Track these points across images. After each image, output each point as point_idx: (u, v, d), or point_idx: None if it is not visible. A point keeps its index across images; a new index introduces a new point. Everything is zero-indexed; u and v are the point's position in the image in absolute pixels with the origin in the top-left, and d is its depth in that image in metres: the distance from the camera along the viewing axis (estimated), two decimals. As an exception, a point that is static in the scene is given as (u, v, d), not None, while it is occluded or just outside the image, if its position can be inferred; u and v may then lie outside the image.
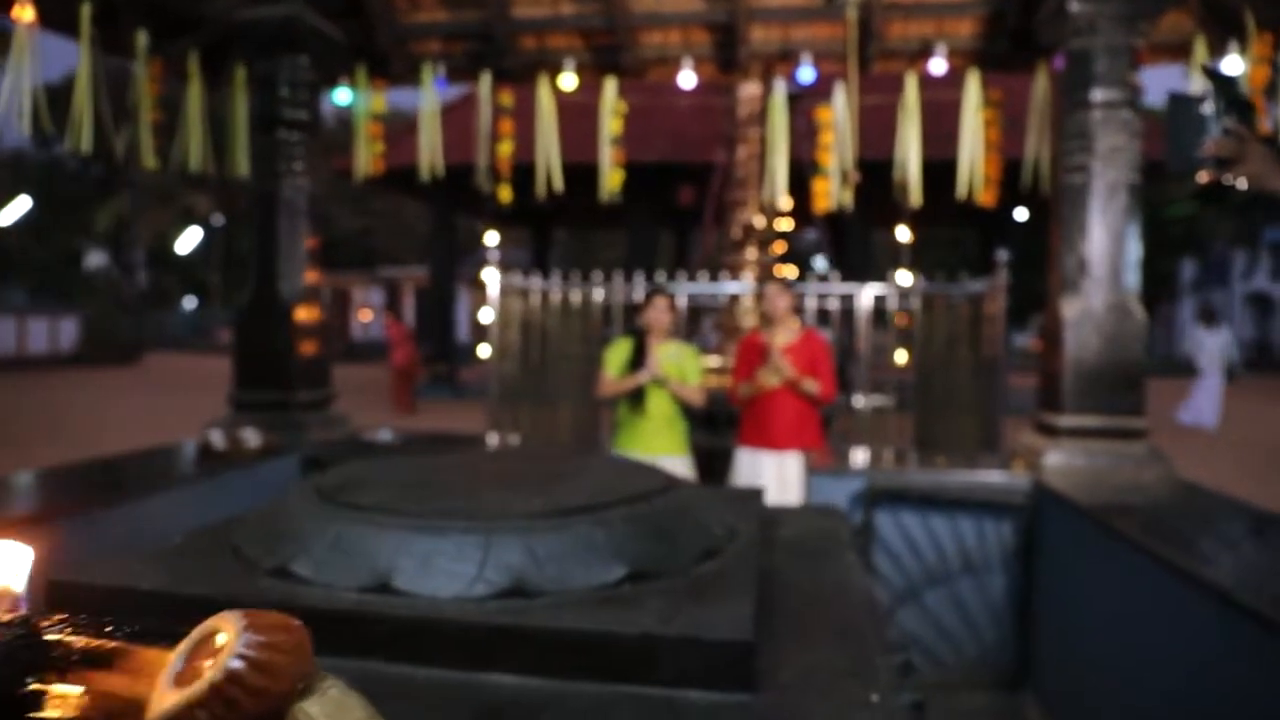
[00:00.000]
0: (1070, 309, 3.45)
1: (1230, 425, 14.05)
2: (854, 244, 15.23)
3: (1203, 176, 2.31)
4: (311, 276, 4.15)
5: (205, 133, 4.51)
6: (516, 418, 6.95)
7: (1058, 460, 3.38)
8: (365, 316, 28.45)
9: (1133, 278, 3.44)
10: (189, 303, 37.38)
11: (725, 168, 8.09)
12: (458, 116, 14.27)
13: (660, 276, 6.65)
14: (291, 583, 1.12)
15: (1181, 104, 2.31)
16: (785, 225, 10.79)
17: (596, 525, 1.15)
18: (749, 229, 7.45)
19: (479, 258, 31.72)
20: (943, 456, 3.81)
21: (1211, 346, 13.73)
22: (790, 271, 10.10)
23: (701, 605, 1.06)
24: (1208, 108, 2.27)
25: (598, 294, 7.46)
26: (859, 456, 4.12)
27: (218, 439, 3.59)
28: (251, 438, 3.63)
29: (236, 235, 30.37)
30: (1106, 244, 3.42)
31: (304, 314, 4.05)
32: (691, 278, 6.81)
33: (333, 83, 4.92)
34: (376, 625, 1.02)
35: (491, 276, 6.55)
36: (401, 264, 29.62)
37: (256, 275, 4.00)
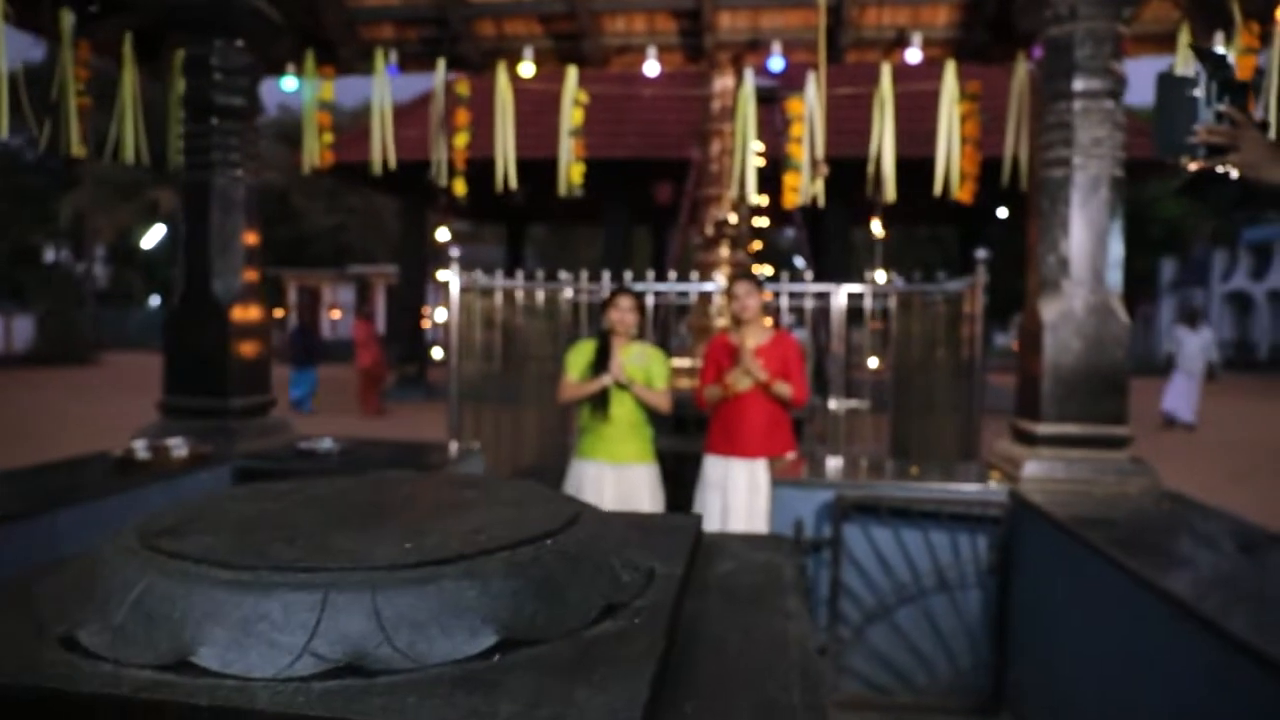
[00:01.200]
0: (1050, 310, 3.26)
1: (1210, 425, 13.97)
2: (832, 242, 15.06)
3: (1193, 165, 2.12)
4: (251, 275, 3.90)
5: (139, 121, 4.25)
6: (479, 422, 6.71)
7: (1036, 470, 3.19)
8: (336, 315, 28.04)
9: (1115, 277, 3.25)
10: (153, 301, 36.82)
11: (699, 164, 7.89)
12: (426, 110, 14.02)
13: (636, 276, 6.43)
14: (78, 656, 0.89)
15: (1171, 86, 2.11)
16: (761, 223, 10.63)
17: (466, 578, 0.93)
18: (722, 226, 7.24)
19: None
20: (916, 466, 3.60)
21: (1192, 347, 13.69)
22: (765, 270, 9.92)
23: (583, 683, 0.84)
24: (1199, 91, 2.08)
25: (567, 293, 7.25)
26: (830, 464, 3.92)
27: (141, 448, 3.34)
28: (178, 447, 3.38)
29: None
30: (1088, 242, 3.22)
31: (241, 315, 3.81)
32: (663, 277, 6.59)
33: (279, 69, 4.68)
34: (162, 719, 0.80)
35: (450, 275, 6.31)
36: (376, 261, 29.22)
37: (187, 273, 3.75)
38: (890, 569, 3.21)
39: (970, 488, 3.23)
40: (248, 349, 3.85)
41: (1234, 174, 2.06)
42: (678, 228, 11.04)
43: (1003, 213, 17.10)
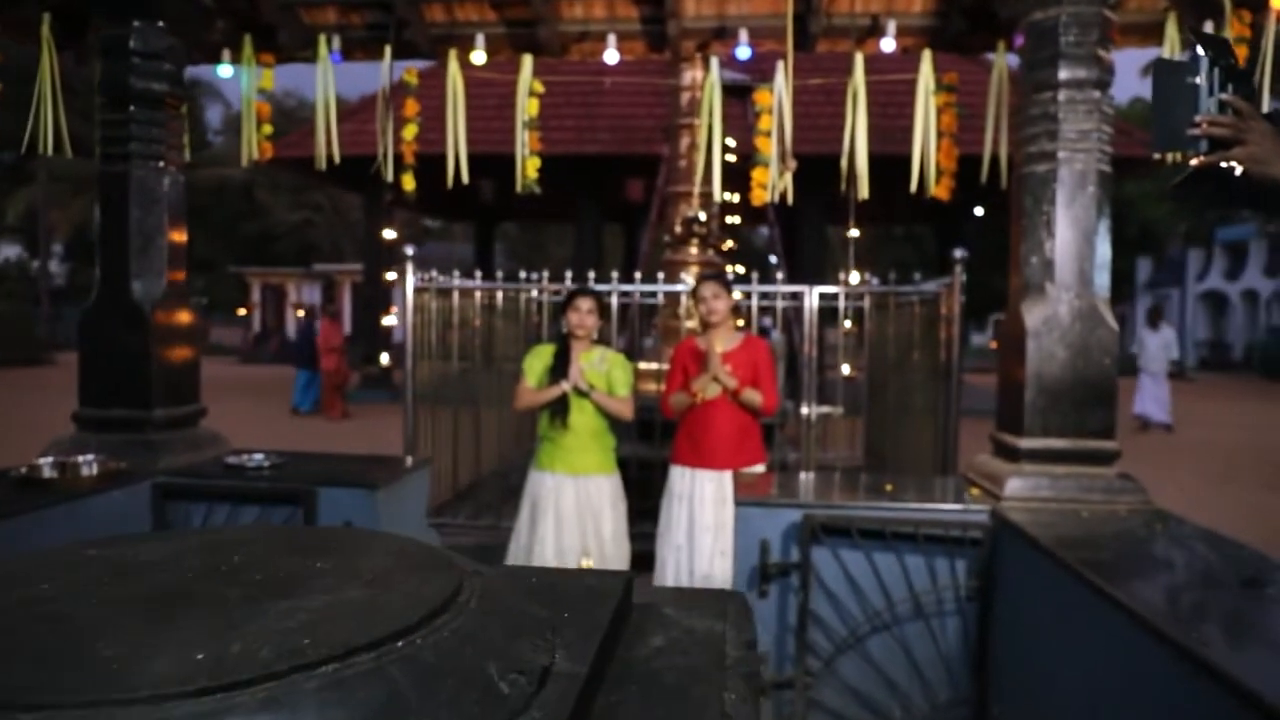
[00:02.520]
0: (1033, 315, 3.03)
1: (1187, 427, 13.90)
2: (807, 242, 14.86)
3: (1194, 160, 1.89)
4: (177, 275, 3.61)
5: (60, 109, 3.95)
6: (438, 427, 6.43)
7: (1019, 488, 2.96)
8: (300, 315, 27.55)
9: (1103, 280, 3.03)
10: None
11: (669, 159, 7.64)
12: (397, 102, 13.67)
13: (606, 275, 6.16)
14: None
15: (1169, 73, 1.87)
16: (733, 221, 10.39)
17: (265, 712, 0.67)
18: (691, 224, 7.00)
19: (424, 253, 31.00)
20: (891, 483, 3.36)
21: (1152, 346, 13.65)
22: (738, 270, 9.68)
23: None
24: (1199, 78, 1.84)
25: (533, 293, 6.98)
26: (800, 481, 3.68)
27: (47, 466, 3.05)
28: (88, 464, 3.09)
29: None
30: (1074, 242, 3.00)
31: (165, 319, 3.52)
32: (633, 277, 6.33)
33: (215, 56, 4.38)
34: None
35: (405, 274, 6.02)
36: (343, 259, 28.72)
37: (103, 274, 3.46)
38: (863, 595, 2.97)
39: (948, 507, 3.00)
40: (173, 355, 3.56)
41: (1238, 169, 1.84)
42: (648, 226, 10.79)
43: (979, 211, 16.97)
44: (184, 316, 3.61)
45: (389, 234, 8.82)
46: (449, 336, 6.51)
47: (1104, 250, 3.02)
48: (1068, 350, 2.99)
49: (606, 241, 28.59)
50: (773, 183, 3.86)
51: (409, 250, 6.11)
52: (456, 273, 6.32)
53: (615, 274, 6.16)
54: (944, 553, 2.94)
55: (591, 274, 6.03)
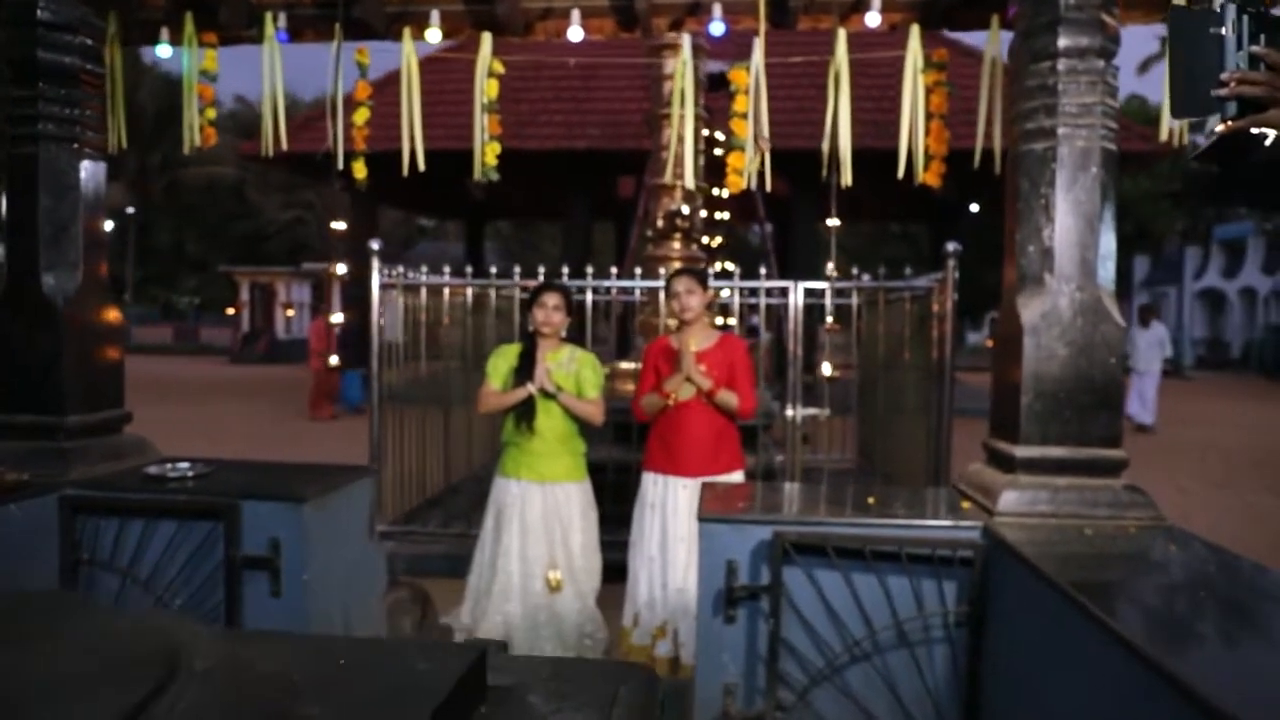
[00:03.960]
0: (1030, 310, 2.73)
1: (1185, 427, 13.62)
2: (800, 240, 14.56)
3: (1220, 126, 1.58)
4: (97, 268, 3.31)
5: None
6: (406, 430, 6.13)
7: (1015, 502, 2.66)
8: (290, 314, 27.20)
9: (1108, 271, 2.73)
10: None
11: (655, 152, 7.33)
12: (382, 97, 13.34)
13: (597, 272, 5.85)
14: None
15: (1189, 24, 1.56)
16: (722, 216, 10.09)
17: None
18: (674, 218, 6.69)
19: (416, 253, 30.64)
20: (873, 495, 3.05)
21: (1143, 345, 13.40)
22: (724, 267, 9.37)
23: None
24: (1226, 29, 1.54)
25: (509, 291, 6.67)
26: (770, 492, 3.38)
27: (-63, 477, 2.75)
28: (-17, 475, 2.79)
29: (152, 226, 28.81)
30: (1076, 228, 2.70)
31: (81, 316, 3.21)
32: (622, 273, 6.02)
33: (152, 35, 4.08)
34: None
35: (363, 270, 5.72)
36: (334, 258, 28.35)
37: (10, 266, 3.15)
38: (840, 621, 2.67)
39: (935, 524, 2.70)
40: (90, 355, 3.25)
41: (1271, 135, 1.54)
42: (636, 222, 10.49)
43: (975, 208, 16.68)
44: (103, 313, 3.30)
45: (339, 226, 8.51)
46: (422, 335, 6.22)
47: (1108, 238, 2.72)
48: (1069, 348, 2.69)
49: (598, 239, 28.29)
50: (749, 168, 3.55)
51: (374, 244, 5.81)
52: (425, 269, 6.03)
53: (590, 270, 5.86)
54: (931, 574, 2.63)
55: (565, 269, 5.72)
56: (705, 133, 7.21)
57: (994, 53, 3.68)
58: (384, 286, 5.74)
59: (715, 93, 6.49)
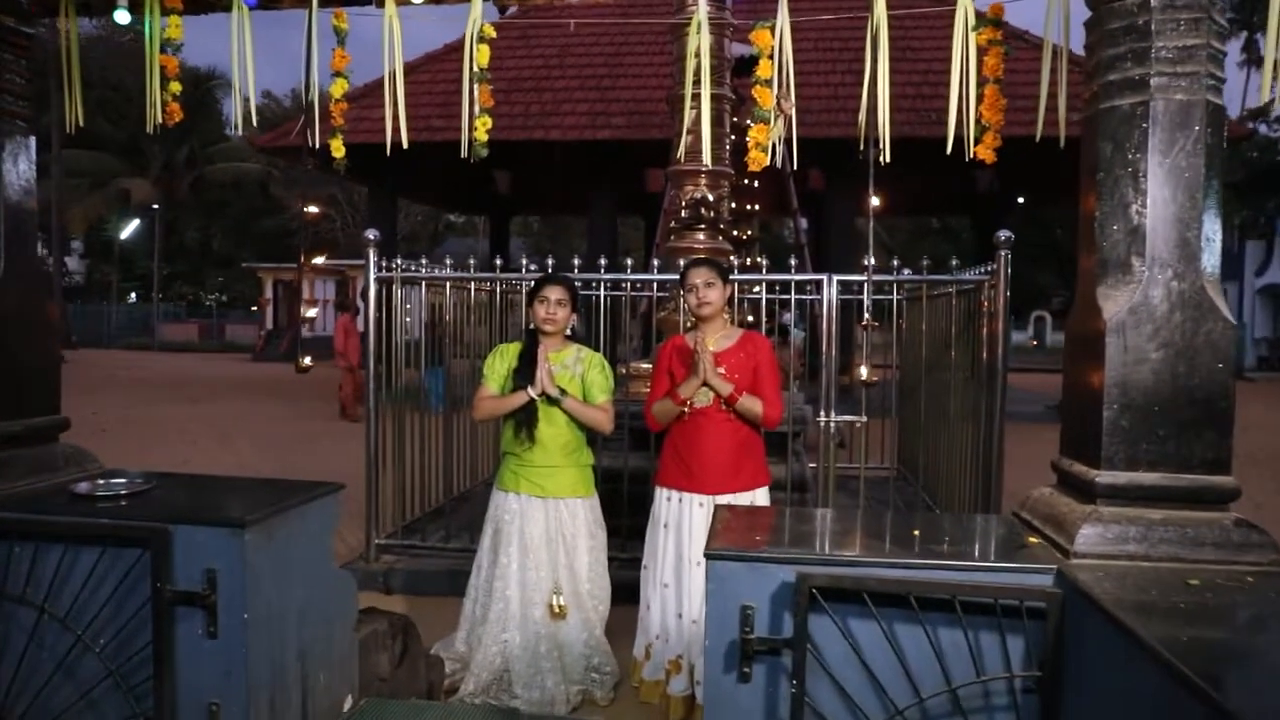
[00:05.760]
0: (1114, 304, 2.22)
1: (1248, 432, 12.86)
2: (835, 234, 13.99)
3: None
4: (25, 257, 2.90)
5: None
6: (405, 433, 5.70)
7: (1096, 539, 2.16)
8: (313, 311, 26.99)
9: (1213, 255, 2.21)
10: (132, 295, 35.83)
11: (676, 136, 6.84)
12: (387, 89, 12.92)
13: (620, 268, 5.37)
14: None
15: None
16: (751, 208, 9.58)
17: None
18: (698, 207, 6.20)
19: (444, 249, 30.28)
20: (919, 527, 2.55)
21: None
22: (757, 261, 8.86)
23: None
24: None
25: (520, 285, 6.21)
26: (797, 522, 2.89)
27: None
28: None
29: (178, 223, 28.76)
30: (1174, 201, 2.18)
31: (2, 310, 2.80)
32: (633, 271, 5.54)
33: (109, 2, 3.66)
34: None
35: (367, 264, 5.29)
36: (360, 255, 28.17)
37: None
38: (879, 685, 2.17)
39: (998, 565, 2.19)
40: (13, 355, 2.84)
41: None
42: (662, 214, 10.00)
43: (1021, 200, 15.99)
44: (29, 308, 2.89)
45: (311, 210, 8.12)
46: (440, 333, 5.82)
47: (1214, 215, 2.21)
48: (1164, 350, 2.18)
49: (628, 235, 27.79)
50: (772, 136, 3.06)
51: (371, 235, 5.39)
52: (425, 261, 5.59)
53: (603, 262, 5.39)
54: (993, 627, 2.13)
55: (576, 262, 5.26)
56: (734, 120, 6.73)
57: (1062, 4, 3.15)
58: (380, 280, 5.31)
59: (743, 78, 6.02)
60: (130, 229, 31.22)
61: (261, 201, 28.81)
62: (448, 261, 5.79)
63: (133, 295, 34.75)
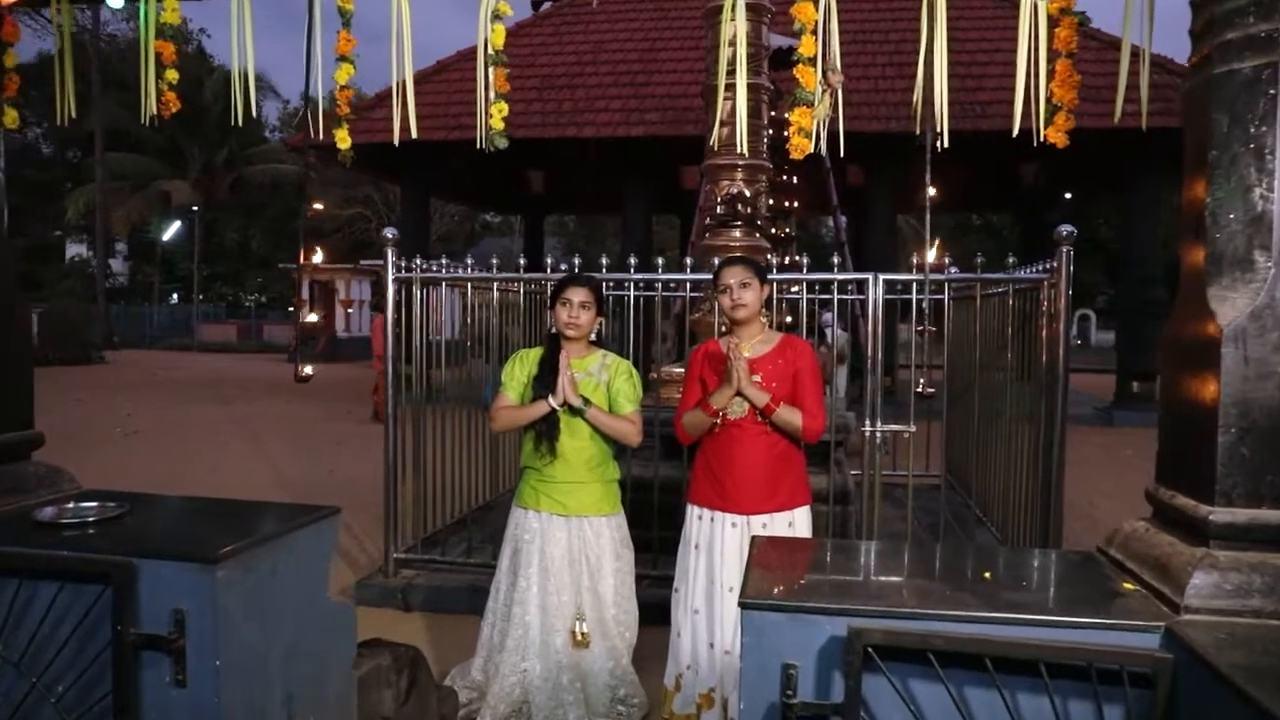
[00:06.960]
0: (1232, 306, 1.85)
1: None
2: (876, 232, 13.54)
3: None
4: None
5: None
6: (424, 440, 5.42)
7: (1211, 590, 1.79)
8: (350, 312, 26.96)
9: (1353, 248, 1.84)
10: (173, 296, 36.13)
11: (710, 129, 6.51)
12: (431, 86, 12.76)
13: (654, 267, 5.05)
14: None
15: None
16: (790, 205, 9.21)
17: None
18: (734, 202, 5.87)
19: (483, 249, 30.15)
20: (989, 568, 2.19)
21: None
22: (796, 260, 8.49)
23: None
24: None
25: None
26: (846, 558, 2.54)
27: None
28: None
29: (217, 224, 28.92)
30: (1307, 184, 1.82)
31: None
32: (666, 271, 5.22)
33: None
34: None
35: (385, 263, 5.00)
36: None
37: None
38: (947, 759, 1.83)
39: (1092, 621, 1.84)
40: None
41: None
42: (697, 211, 9.67)
43: (1068, 195, 15.43)
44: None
45: (316, 206, 7.89)
46: (473, 334, 5.55)
47: (1352, 199, 1.83)
48: (1294, 364, 1.81)
49: (664, 235, 27.44)
50: (817, 114, 2.71)
51: (389, 233, 5.11)
52: (444, 261, 5.31)
53: (634, 260, 5.06)
54: (1084, 694, 1.78)
55: (604, 261, 4.94)
56: (772, 114, 6.40)
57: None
58: (399, 281, 5.03)
59: (781, 69, 5.68)
60: (171, 231, 31.56)
61: (298, 203, 28.92)
62: (469, 261, 5.51)
63: (174, 296, 35.14)
